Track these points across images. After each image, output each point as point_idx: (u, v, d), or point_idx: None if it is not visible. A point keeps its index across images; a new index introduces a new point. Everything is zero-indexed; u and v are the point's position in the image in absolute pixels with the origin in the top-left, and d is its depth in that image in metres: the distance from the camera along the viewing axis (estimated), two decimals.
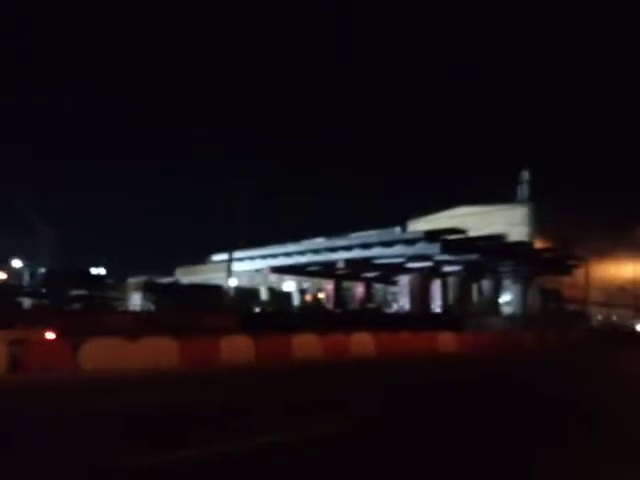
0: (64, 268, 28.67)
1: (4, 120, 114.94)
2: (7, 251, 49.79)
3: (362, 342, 17.59)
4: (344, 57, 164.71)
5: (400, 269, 40.08)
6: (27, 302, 26.10)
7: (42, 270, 28.82)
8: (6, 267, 44.47)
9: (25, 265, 34.27)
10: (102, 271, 36.42)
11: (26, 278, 28.95)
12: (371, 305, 46.91)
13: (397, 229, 53.73)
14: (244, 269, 47.21)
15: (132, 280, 40.99)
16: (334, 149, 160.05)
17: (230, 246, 33.75)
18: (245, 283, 55.76)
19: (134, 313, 28.58)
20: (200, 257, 60.66)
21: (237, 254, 38.35)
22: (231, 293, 34.17)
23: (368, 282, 48.51)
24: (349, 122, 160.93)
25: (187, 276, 60.26)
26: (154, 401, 8.60)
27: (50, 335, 13.81)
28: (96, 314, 23.76)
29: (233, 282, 37.36)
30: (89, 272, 31.96)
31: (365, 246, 36.42)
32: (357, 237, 42.73)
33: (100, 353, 12.47)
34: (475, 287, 43.18)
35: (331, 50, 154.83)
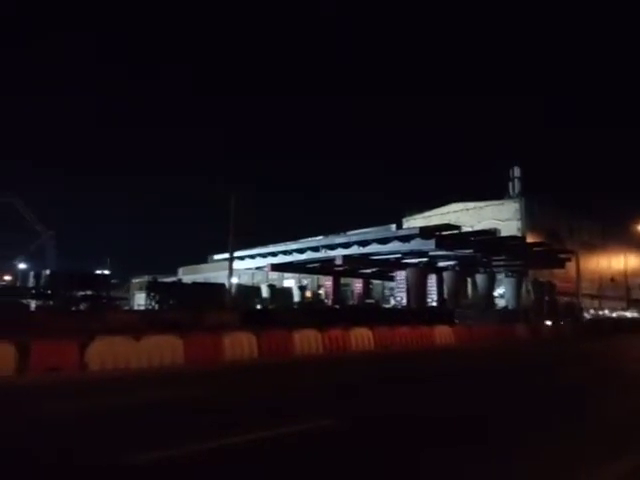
0: (69, 269, 29.35)
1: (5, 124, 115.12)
2: (12, 253, 50.52)
3: (361, 336, 18.14)
4: (344, 57, 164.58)
5: (397, 265, 40.84)
6: (33, 304, 26.65)
7: (47, 272, 29.41)
8: (11, 269, 45.19)
9: (30, 267, 34.92)
10: (106, 271, 37.12)
11: (31, 280, 29.53)
12: (369, 300, 47.64)
13: (393, 226, 54.53)
14: (245, 267, 47.95)
15: (136, 280, 41.65)
16: (331, 148, 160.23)
17: (230, 245, 34.38)
18: (246, 281, 56.51)
19: (138, 312, 29.20)
20: (202, 256, 61.29)
21: (238, 253, 39.01)
22: (233, 291, 34.82)
23: (366, 278, 49.25)
24: (346, 121, 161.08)
25: (189, 275, 60.93)
26: (161, 398, 8.87)
27: None
28: (101, 314, 24.28)
29: (234, 280, 38.01)
30: (94, 273, 32.62)
31: (362, 243, 37.10)
32: (354, 234, 43.42)
33: (107, 352, 12.55)
34: (470, 281, 43.93)
35: (331, 50, 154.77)
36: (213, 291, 31.52)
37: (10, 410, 7.98)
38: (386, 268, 43.44)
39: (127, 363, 12.70)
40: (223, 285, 34.35)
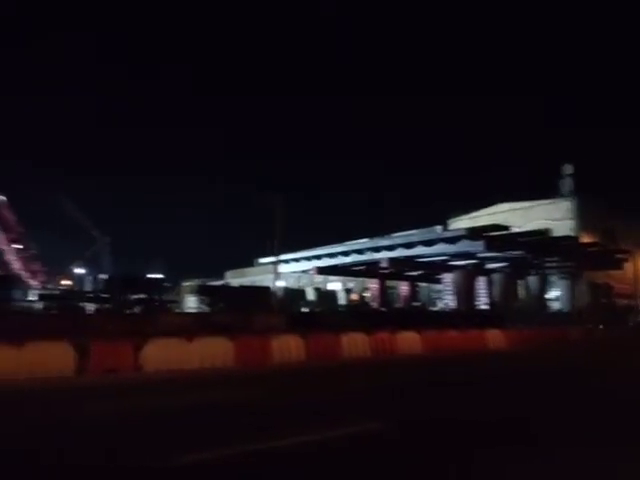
0: (124, 273, 30.60)
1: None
2: (70, 258, 53.17)
3: (409, 340, 18.00)
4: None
5: (443, 267, 40.16)
6: (91, 307, 27.96)
7: (103, 276, 30.77)
8: (70, 274, 47.57)
9: (87, 272, 36.67)
10: (159, 275, 38.49)
11: (89, 284, 30.94)
12: (416, 303, 47.06)
13: (438, 228, 53.63)
14: (290, 270, 48.47)
15: (186, 283, 42.79)
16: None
17: (276, 249, 34.88)
18: (291, 284, 57.01)
19: (189, 315, 30.01)
20: (248, 260, 62.35)
21: (283, 256, 39.49)
22: (279, 294, 35.28)
23: (412, 281, 48.68)
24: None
25: (237, 278, 62.15)
26: (213, 399, 9.09)
27: None
28: (154, 316, 25.10)
29: (280, 283, 38.49)
30: (147, 277, 33.91)
31: (407, 245, 36.77)
32: (399, 237, 43.05)
33: (160, 354, 12.97)
34: (521, 283, 42.62)
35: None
36: (260, 294, 32.05)
37: (69, 409, 8.37)
38: (432, 270, 42.80)
39: (180, 365, 13.10)
40: (269, 288, 34.85)
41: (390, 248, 37.91)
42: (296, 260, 46.12)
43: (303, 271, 49.52)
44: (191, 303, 32.92)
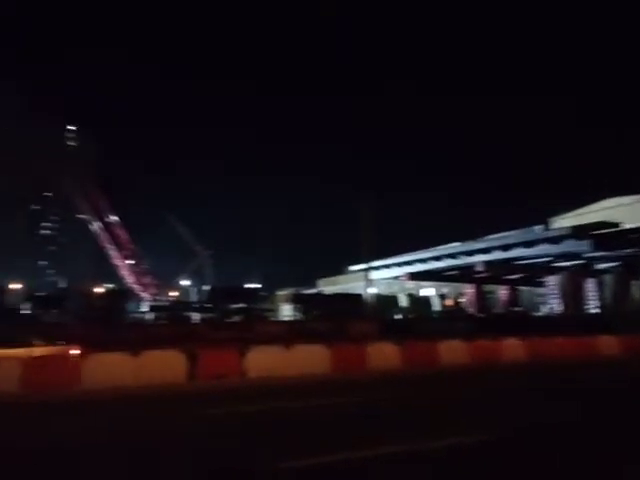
0: (225, 285, 32.35)
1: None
2: (176, 272, 57.16)
3: (511, 347, 17.12)
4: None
5: (546, 269, 37.75)
6: (196, 316, 29.82)
7: (206, 287, 32.74)
8: (177, 286, 51.13)
9: (192, 283, 39.37)
10: (256, 285, 40.15)
11: (194, 295, 33.06)
12: (517, 308, 44.65)
13: (538, 228, 50.46)
14: (381, 277, 48.22)
15: (280, 292, 44.22)
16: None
17: (366, 256, 34.94)
18: (382, 291, 56.60)
19: (285, 323, 31.00)
20: (339, 268, 62.98)
21: (374, 263, 39.43)
22: (371, 301, 35.25)
23: (511, 285, 46.32)
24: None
25: (328, 286, 62.94)
26: (315, 405, 9.39)
27: (75, 351, 14.12)
28: (253, 325, 26.24)
29: (372, 290, 38.45)
30: (246, 287, 35.55)
31: (505, 247, 35.10)
32: (495, 239, 41.16)
33: (262, 361, 13.49)
34: (637, 284, 38.83)
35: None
36: (352, 302, 32.25)
37: (181, 413, 8.96)
38: (534, 273, 40.41)
39: (281, 371, 13.53)
40: (361, 296, 34.93)
41: (486, 251, 36.43)
42: (387, 266, 45.85)
43: (394, 277, 49.03)
44: (286, 311, 33.99)
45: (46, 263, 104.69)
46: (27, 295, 28.32)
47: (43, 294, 28.82)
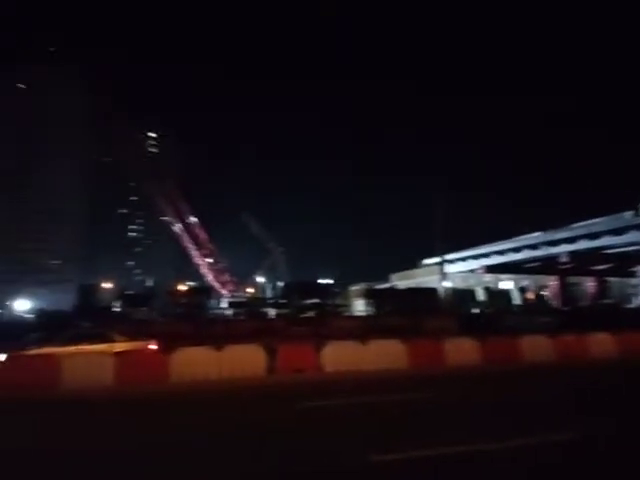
0: (299, 281, 32.98)
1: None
2: (252, 269, 59.06)
3: (600, 343, 16.10)
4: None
5: (638, 258, 35.02)
6: (272, 312, 30.64)
7: (280, 283, 33.55)
8: (253, 283, 52.85)
9: (267, 280, 40.48)
10: (329, 281, 40.58)
11: (269, 291, 34.00)
12: (607, 301, 41.76)
13: (628, 214, 46.72)
14: (457, 270, 46.97)
15: (353, 287, 44.27)
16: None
17: (440, 249, 34.20)
18: (458, 284, 55.15)
19: (359, 318, 31.06)
20: (412, 261, 62.12)
21: (448, 256, 38.49)
22: (446, 295, 34.42)
23: (599, 275, 43.41)
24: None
25: (402, 281, 62.24)
26: (392, 400, 9.40)
27: (152, 346, 14.94)
28: (327, 320, 26.52)
29: (446, 284, 37.54)
30: (319, 283, 36.02)
31: (592, 236, 32.94)
32: (580, 227, 38.68)
33: (338, 355, 13.66)
34: None
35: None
36: (427, 296, 31.64)
37: (270, 408, 9.25)
38: (624, 263, 37.60)
39: (356, 366, 13.62)
40: (436, 290, 34.21)
41: (570, 240, 34.39)
42: (462, 259, 44.59)
43: (470, 270, 47.54)
44: (359, 306, 34.05)
45: (133, 263, 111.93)
46: (118, 294, 30.41)
47: (132, 293, 30.82)
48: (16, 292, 73.02)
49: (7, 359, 12.00)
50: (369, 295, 30.44)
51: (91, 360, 12.27)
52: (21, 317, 49.77)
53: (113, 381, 11.81)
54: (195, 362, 12.60)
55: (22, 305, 65.00)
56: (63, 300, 45.96)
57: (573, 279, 45.00)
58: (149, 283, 64.97)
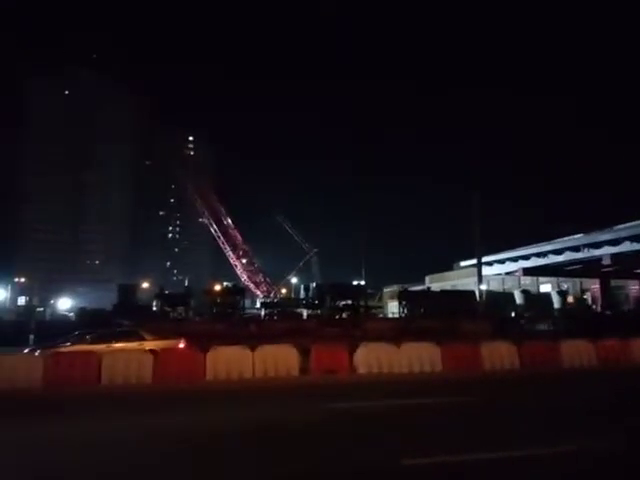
0: (332, 282, 33.00)
1: None
2: (286, 270, 59.48)
3: None
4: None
5: None
6: (305, 312, 30.75)
7: (313, 284, 33.61)
8: (287, 284, 53.26)
9: (300, 281, 40.67)
10: (362, 282, 40.45)
11: (302, 292, 34.11)
12: None
13: None
14: (494, 273, 45.95)
15: (387, 289, 44.06)
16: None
17: (478, 251, 33.54)
18: (495, 287, 53.97)
19: (392, 320, 30.81)
20: (447, 263, 61.24)
21: (486, 258, 37.71)
22: (483, 298, 33.75)
23: None
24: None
25: (436, 283, 61.42)
26: (434, 404, 9.31)
27: (181, 344, 14.94)
28: (360, 322, 26.40)
29: (483, 287, 36.78)
30: (352, 284, 35.95)
31: (635, 238, 31.64)
32: (624, 228, 37.21)
33: (371, 357, 13.65)
34: None
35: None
36: (463, 299, 31.09)
37: (308, 407, 9.27)
38: None
39: (390, 368, 13.58)
40: (473, 292, 33.57)
41: (614, 242, 33.12)
42: (500, 262, 43.51)
43: (507, 273, 46.40)
44: (393, 308, 33.71)
45: (169, 264, 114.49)
46: (156, 293, 31.15)
47: (169, 292, 31.49)
48: (59, 291, 75.89)
49: (48, 355, 12.46)
50: (403, 297, 30.16)
51: (130, 357, 12.62)
52: (64, 315, 51.69)
53: (152, 378, 12.12)
54: (230, 361, 12.80)
55: (64, 304, 67.56)
56: (104, 299, 47.47)
57: (616, 282, 43.37)
58: (187, 283, 66.37)
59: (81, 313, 33.69)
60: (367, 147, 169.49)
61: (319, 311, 29.72)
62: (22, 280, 67.58)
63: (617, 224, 44.19)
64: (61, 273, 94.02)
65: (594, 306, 42.75)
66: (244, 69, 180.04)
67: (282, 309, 31.48)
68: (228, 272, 62.13)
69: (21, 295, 57.16)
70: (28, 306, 48.09)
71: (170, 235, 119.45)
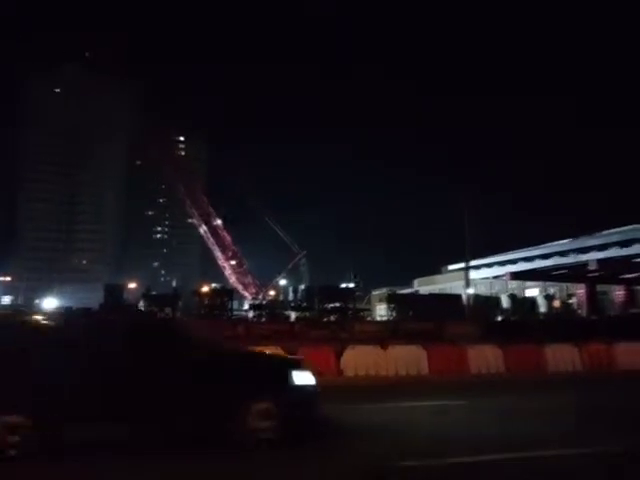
0: (320, 284, 32.98)
1: None
2: (274, 272, 59.36)
3: (631, 353, 15.67)
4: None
5: None
6: (293, 315, 30.70)
7: (302, 287, 33.61)
8: (276, 286, 53.14)
9: (289, 283, 40.67)
10: (351, 285, 40.51)
11: (290, 294, 34.06)
12: (636, 310, 40.56)
13: None
14: (481, 277, 46.29)
15: (375, 292, 44.17)
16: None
17: (465, 255, 33.76)
18: (483, 291, 54.35)
19: (381, 322, 30.81)
20: (435, 267, 61.59)
21: (473, 262, 37.96)
22: (470, 302, 33.94)
23: (629, 284, 42.24)
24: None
25: (425, 286, 61.71)
26: (424, 406, 9.36)
27: None
28: (348, 324, 26.37)
29: (470, 291, 37.01)
30: (341, 287, 35.99)
31: (624, 243, 32.06)
32: (612, 234, 37.66)
33: (358, 360, 13.71)
34: None
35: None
36: (450, 302, 31.25)
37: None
38: None
39: (376, 370, 13.63)
40: (460, 296, 33.76)
41: (601, 248, 33.52)
42: (488, 265, 43.82)
43: (495, 277, 46.78)
44: (381, 311, 33.78)
45: (157, 264, 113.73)
46: (143, 293, 30.91)
47: (155, 294, 31.28)
48: (45, 290, 75.02)
49: None
50: (391, 300, 30.24)
51: None
52: None
53: None
54: None
55: (50, 303, 66.78)
56: (91, 299, 47.01)
57: (602, 287, 43.88)
58: (175, 284, 65.97)
59: (67, 313, 33.28)
60: (363, 149, 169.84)
61: (307, 313, 29.66)
62: (8, 279, 66.71)
63: (606, 229, 44.71)
64: (48, 273, 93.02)
65: (579, 311, 43.18)
66: (242, 69, 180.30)
67: (270, 311, 31.37)
68: (217, 273, 61.88)
69: (6, 295, 56.42)
70: (12, 305, 47.47)
71: (159, 236, 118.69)
